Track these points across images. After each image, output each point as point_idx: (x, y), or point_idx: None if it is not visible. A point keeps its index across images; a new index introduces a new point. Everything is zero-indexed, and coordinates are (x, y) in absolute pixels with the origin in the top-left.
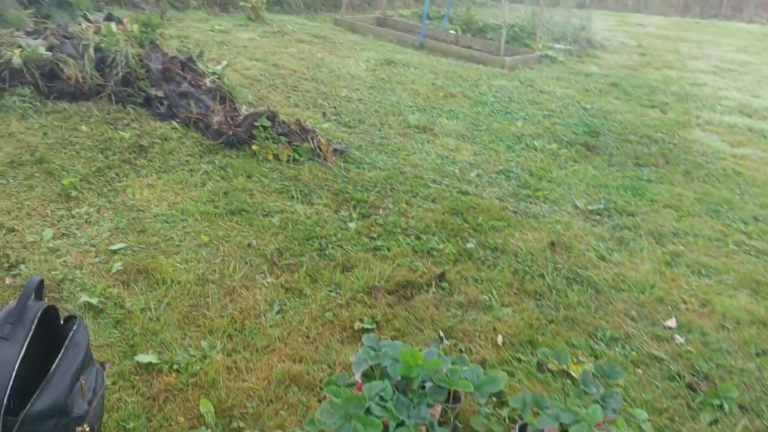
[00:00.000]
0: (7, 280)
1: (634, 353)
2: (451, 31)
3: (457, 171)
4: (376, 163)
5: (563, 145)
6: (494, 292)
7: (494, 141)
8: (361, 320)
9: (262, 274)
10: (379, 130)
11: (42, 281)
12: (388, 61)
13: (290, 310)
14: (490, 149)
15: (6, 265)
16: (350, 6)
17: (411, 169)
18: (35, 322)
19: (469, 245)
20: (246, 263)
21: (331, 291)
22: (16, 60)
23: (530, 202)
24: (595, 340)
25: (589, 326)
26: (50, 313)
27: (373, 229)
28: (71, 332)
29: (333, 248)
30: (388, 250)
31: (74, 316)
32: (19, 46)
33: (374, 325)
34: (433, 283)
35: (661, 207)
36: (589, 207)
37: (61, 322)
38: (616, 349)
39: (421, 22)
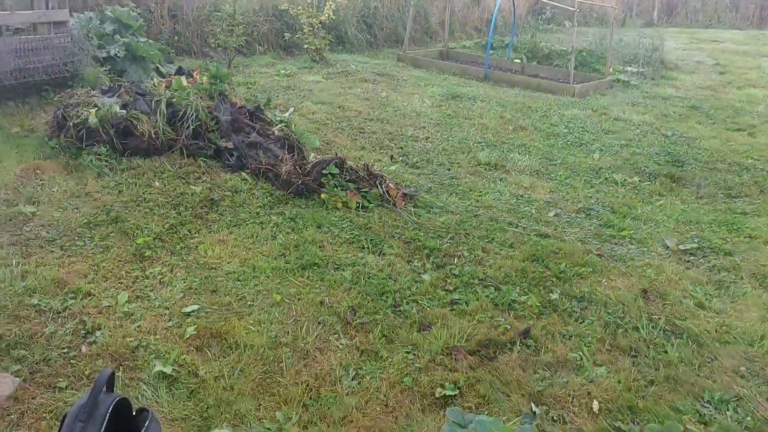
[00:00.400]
0: (83, 349)
1: (748, 419)
2: (516, 60)
3: (533, 211)
4: (448, 207)
5: (645, 177)
6: (585, 349)
7: (571, 176)
8: (443, 386)
9: (336, 335)
10: (448, 170)
11: (113, 373)
12: (454, 96)
13: (366, 375)
14: (567, 185)
15: (82, 332)
16: (412, 41)
17: (485, 211)
18: (106, 419)
19: (553, 296)
20: (319, 323)
21: (408, 352)
22: (93, 120)
23: (615, 244)
24: (702, 403)
25: (695, 387)
26: (122, 405)
27: (448, 280)
28: (143, 429)
29: (408, 303)
30: (467, 304)
31: (146, 409)
32: (95, 106)
33: (456, 391)
34: (518, 341)
35: (761, 244)
36: (681, 247)
37: (133, 413)
38: (728, 413)
39: (485, 52)
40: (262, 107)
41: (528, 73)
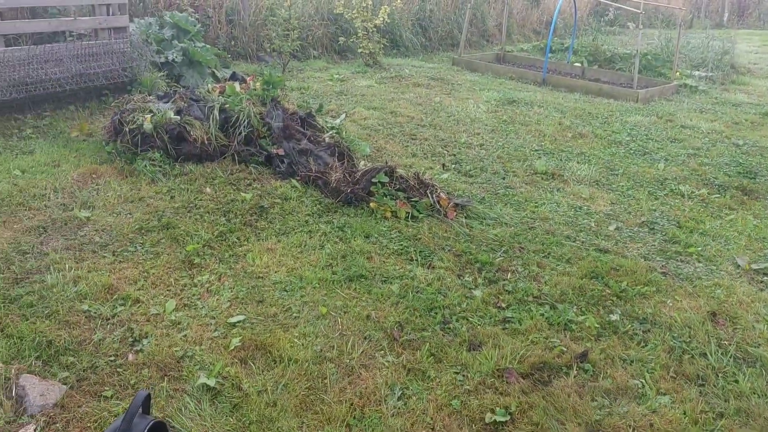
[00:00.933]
0: (130, 357)
1: None
2: (576, 64)
3: (593, 224)
4: (502, 218)
5: (715, 189)
6: (647, 376)
7: (633, 187)
8: (493, 411)
9: (382, 352)
10: (503, 179)
11: (149, 395)
12: (510, 101)
13: (413, 396)
14: (629, 197)
15: (130, 339)
16: (468, 44)
17: (541, 223)
18: None
19: (613, 317)
20: (365, 338)
21: (457, 373)
22: (147, 125)
23: (681, 261)
24: None
25: None
26: (157, 428)
27: (501, 297)
28: None
29: (457, 320)
30: (520, 323)
31: None
32: (150, 111)
33: (507, 417)
34: (574, 365)
35: None
36: (754, 266)
37: None
38: None
39: (544, 56)
40: (314, 113)
41: (588, 78)
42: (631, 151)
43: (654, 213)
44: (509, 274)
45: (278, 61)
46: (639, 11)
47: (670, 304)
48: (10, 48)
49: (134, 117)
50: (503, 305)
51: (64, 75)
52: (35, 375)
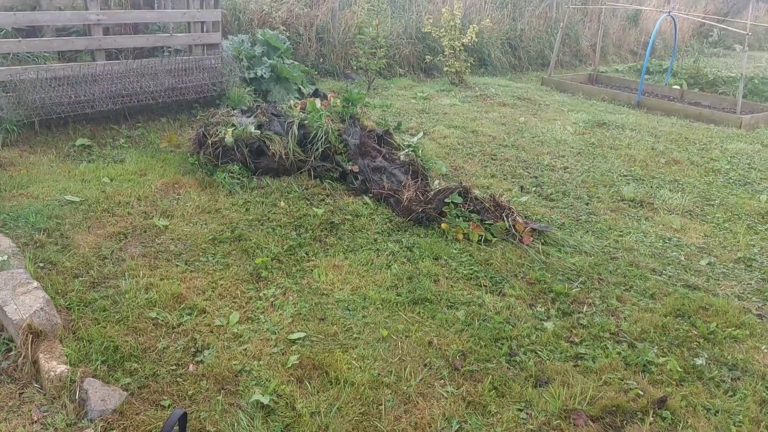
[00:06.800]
0: (191, 367)
1: None
2: (675, 87)
3: (682, 258)
4: (582, 246)
5: None
6: (733, 429)
7: (730, 219)
8: None
9: (442, 381)
10: (587, 205)
11: (185, 414)
12: (599, 123)
13: (471, 431)
14: (726, 230)
15: (192, 349)
16: (559, 64)
17: (624, 254)
18: None
19: (698, 361)
20: (425, 365)
21: (520, 410)
22: (229, 139)
23: None
24: None
25: None
26: None
27: (574, 331)
28: None
29: (525, 353)
30: (593, 360)
31: None
32: (233, 125)
33: None
34: (651, 411)
35: None
36: None
37: None
38: None
39: (640, 77)
40: (391, 131)
41: (687, 101)
42: (731, 181)
43: (752, 249)
44: (585, 307)
45: (364, 78)
46: (746, 32)
47: (765, 351)
48: (109, 62)
49: (217, 130)
50: (576, 340)
51: (157, 88)
52: (99, 379)
